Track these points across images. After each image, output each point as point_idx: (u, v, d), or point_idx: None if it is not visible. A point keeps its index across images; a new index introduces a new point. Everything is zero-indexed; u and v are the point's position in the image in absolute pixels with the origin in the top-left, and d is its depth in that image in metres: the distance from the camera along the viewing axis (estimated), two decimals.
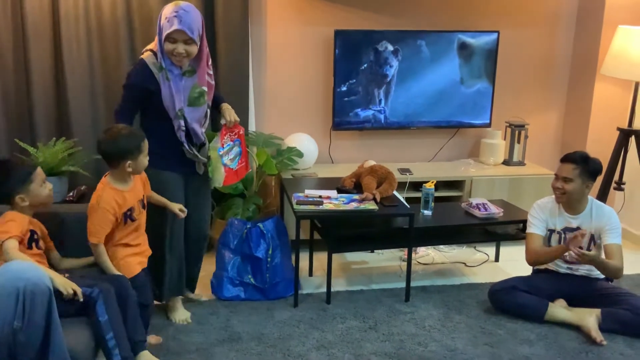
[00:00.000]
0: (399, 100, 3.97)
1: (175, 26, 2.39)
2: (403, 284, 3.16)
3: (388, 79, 3.93)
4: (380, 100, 3.95)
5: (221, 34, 3.63)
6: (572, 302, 2.91)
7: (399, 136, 4.16)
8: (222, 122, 2.79)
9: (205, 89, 2.63)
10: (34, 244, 2.30)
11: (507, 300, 2.94)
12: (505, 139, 4.17)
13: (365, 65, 3.87)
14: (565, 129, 4.39)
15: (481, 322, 2.90)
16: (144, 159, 2.43)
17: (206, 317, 2.88)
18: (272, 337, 2.71)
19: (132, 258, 2.49)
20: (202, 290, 3.06)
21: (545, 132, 4.38)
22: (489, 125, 4.14)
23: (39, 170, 2.38)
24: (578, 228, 2.88)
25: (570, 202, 2.90)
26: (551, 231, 2.97)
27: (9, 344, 1.68)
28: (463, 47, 3.96)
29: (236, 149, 2.84)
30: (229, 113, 2.77)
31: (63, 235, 2.52)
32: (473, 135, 4.27)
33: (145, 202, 2.55)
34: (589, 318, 2.78)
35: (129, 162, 2.37)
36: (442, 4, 3.99)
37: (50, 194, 2.41)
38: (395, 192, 3.25)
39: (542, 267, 3.00)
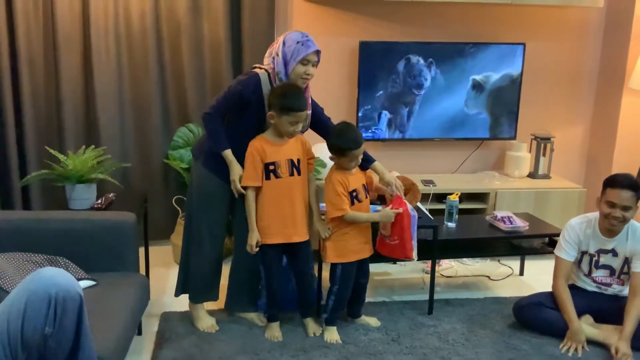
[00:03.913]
0: (424, 112, 3.97)
1: (314, 48, 2.58)
2: (426, 297, 3.14)
3: (413, 91, 3.93)
4: (404, 112, 3.95)
5: (247, 44, 3.67)
6: (599, 319, 2.86)
7: (423, 147, 4.15)
8: (390, 191, 2.79)
9: (309, 112, 2.75)
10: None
11: (532, 316, 2.90)
12: (530, 152, 4.13)
13: (390, 76, 3.87)
14: (591, 142, 4.34)
15: (506, 337, 2.87)
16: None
17: (229, 325, 2.89)
18: (294, 347, 2.71)
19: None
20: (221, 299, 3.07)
21: (572, 145, 4.34)
22: (514, 137, 4.11)
23: (301, 115, 2.57)
24: (613, 250, 2.82)
25: (616, 227, 2.78)
26: (583, 253, 2.88)
27: (40, 350, 1.70)
28: (489, 58, 3.95)
29: (391, 222, 2.70)
30: (387, 177, 2.80)
31: (92, 242, 2.55)
32: (497, 147, 4.24)
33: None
34: (615, 336, 2.73)
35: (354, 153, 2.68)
36: (469, 15, 3.99)
37: (294, 134, 2.63)
38: (419, 204, 3.25)
39: (569, 282, 2.95)
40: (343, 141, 2.65)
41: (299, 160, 2.68)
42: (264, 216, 2.66)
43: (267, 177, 2.63)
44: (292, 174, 2.65)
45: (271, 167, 2.62)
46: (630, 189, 2.70)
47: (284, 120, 2.56)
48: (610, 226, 2.77)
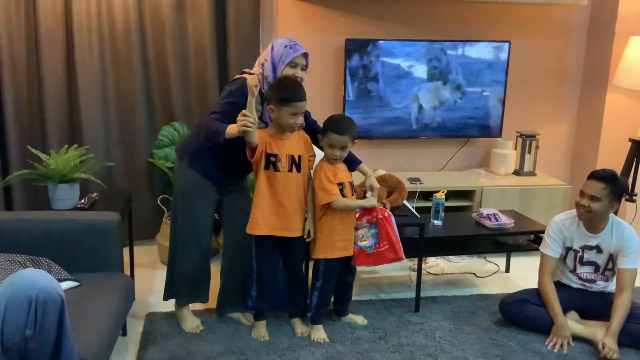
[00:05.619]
0: (409, 110, 3.97)
1: (301, 50, 2.62)
2: (413, 294, 3.14)
3: (399, 88, 3.93)
4: (390, 109, 3.95)
5: (232, 41, 3.65)
6: (585, 315, 2.88)
7: (409, 145, 4.15)
8: (368, 194, 2.80)
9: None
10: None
11: (518, 312, 2.91)
12: (516, 149, 4.15)
13: (376, 74, 3.87)
14: (576, 139, 4.37)
15: (492, 333, 2.88)
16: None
17: (215, 325, 2.87)
18: (280, 347, 2.70)
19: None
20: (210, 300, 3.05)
21: (557, 142, 4.36)
22: (499, 135, 4.13)
23: (300, 105, 2.55)
24: (597, 246, 2.85)
25: (592, 221, 2.81)
26: (568, 249, 2.91)
27: (21, 353, 1.68)
28: (474, 56, 3.96)
29: (372, 231, 2.76)
30: (372, 182, 2.79)
31: (75, 243, 2.52)
32: (483, 145, 4.25)
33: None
34: (600, 332, 2.75)
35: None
36: (454, 13, 4.00)
37: (295, 127, 2.60)
38: (405, 202, 3.25)
39: (554, 279, 2.96)
40: (329, 123, 2.68)
41: (299, 157, 2.66)
42: (260, 206, 2.64)
43: (267, 167, 2.61)
44: (290, 170, 2.64)
45: (272, 159, 2.61)
46: (602, 180, 2.73)
47: (283, 112, 2.54)
48: (580, 216, 2.81)
